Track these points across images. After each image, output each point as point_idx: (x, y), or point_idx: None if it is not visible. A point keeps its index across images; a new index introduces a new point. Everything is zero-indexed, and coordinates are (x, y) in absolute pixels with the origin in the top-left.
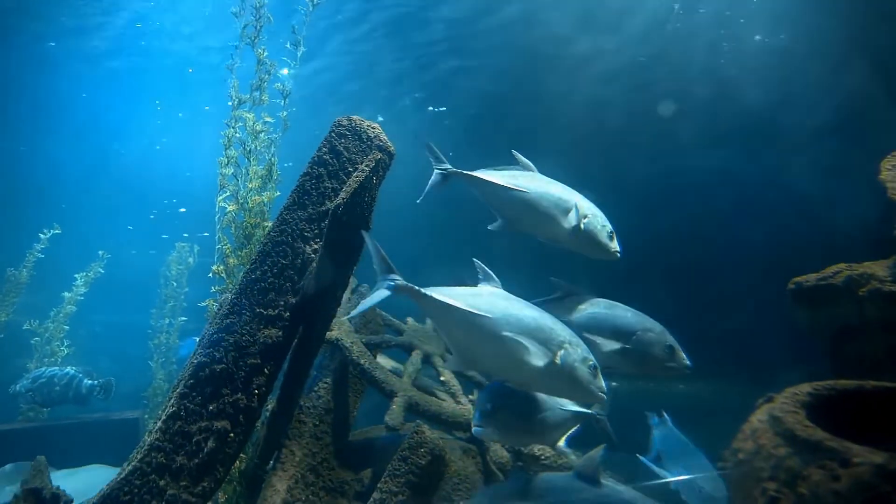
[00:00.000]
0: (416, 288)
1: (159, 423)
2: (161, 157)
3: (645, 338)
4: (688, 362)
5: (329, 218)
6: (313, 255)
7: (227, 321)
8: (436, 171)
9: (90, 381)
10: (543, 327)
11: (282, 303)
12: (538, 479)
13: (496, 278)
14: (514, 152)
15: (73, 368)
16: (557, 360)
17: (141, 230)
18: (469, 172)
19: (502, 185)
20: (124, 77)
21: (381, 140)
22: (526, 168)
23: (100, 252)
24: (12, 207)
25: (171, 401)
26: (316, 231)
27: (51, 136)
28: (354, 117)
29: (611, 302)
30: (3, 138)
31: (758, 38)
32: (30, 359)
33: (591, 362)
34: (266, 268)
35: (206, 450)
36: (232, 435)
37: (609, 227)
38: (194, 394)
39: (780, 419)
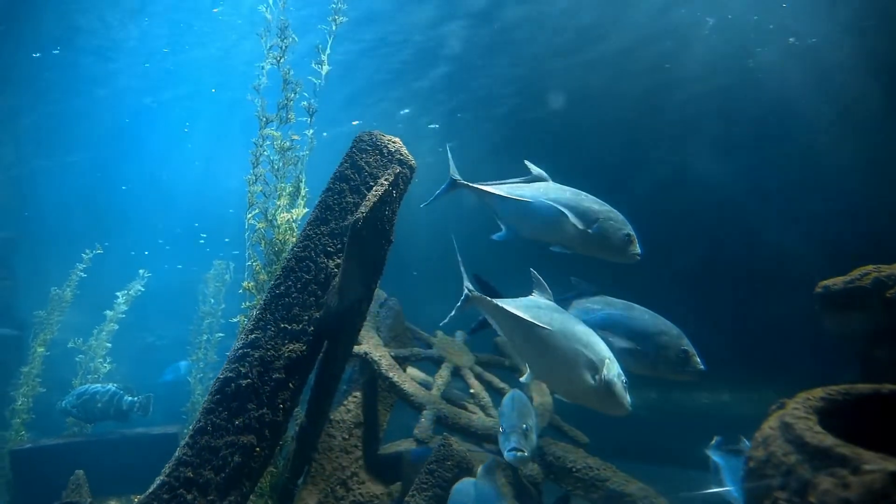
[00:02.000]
0: (486, 298)
1: (187, 438)
2: (201, 178)
3: (660, 341)
4: (702, 367)
5: (349, 232)
6: (336, 270)
7: (253, 336)
8: (450, 178)
9: (130, 398)
10: (591, 343)
11: (306, 317)
12: None
13: (548, 289)
14: (527, 162)
15: (115, 385)
16: (603, 376)
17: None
18: (473, 184)
19: (503, 196)
20: (158, 103)
21: (402, 154)
22: (539, 177)
23: (140, 271)
24: (62, 228)
25: (199, 416)
26: (339, 246)
27: (98, 157)
28: (375, 132)
29: (628, 303)
30: (47, 159)
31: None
32: (74, 375)
33: (623, 377)
34: (290, 283)
35: (232, 464)
36: (258, 449)
37: (626, 229)
38: (220, 409)
39: (790, 425)
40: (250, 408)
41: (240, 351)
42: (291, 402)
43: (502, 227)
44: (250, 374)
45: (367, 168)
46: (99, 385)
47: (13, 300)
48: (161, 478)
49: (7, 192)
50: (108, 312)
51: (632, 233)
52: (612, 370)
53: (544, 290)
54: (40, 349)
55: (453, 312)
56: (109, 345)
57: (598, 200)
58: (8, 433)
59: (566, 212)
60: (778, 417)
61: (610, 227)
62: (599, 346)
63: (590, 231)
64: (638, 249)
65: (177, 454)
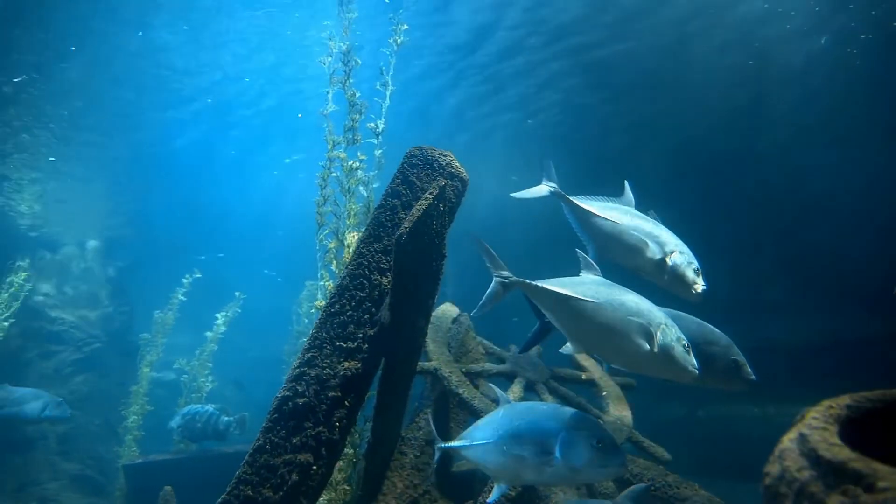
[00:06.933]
0: (527, 281)
1: (247, 457)
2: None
3: (708, 351)
4: (753, 377)
5: (394, 248)
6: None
7: (308, 355)
8: (544, 186)
9: (227, 418)
10: (643, 310)
11: (360, 335)
12: None
13: (596, 266)
14: (626, 183)
15: (213, 406)
16: (657, 340)
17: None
18: (569, 197)
19: (596, 214)
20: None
21: (452, 167)
22: (626, 201)
23: (236, 293)
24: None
25: (258, 434)
26: (392, 263)
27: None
28: (426, 147)
29: (676, 312)
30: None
31: None
32: (179, 395)
33: (684, 341)
34: (344, 301)
35: (290, 482)
36: (315, 467)
37: (696, 265)
38: (278, 427)
39: (806, 437)
40: (307, 426)
41: (297, 370)
42: (348, 420)
43: (588, 244)
44: (307, 393)
45: (418, 183)
46: (200, 406)
47: (129, 326)
48: (223, 496)
49: (121, 223)
50: (209, 333)
51: (699, 267)
52: (669, 335)
53: (591, 267)
54: (146, 370)
55: (483, 301)
56: (211, 364)
57: (673, 234)
58: (122, 449)
59: (662, 241)
60: (797, 429)
61: (683, 261)
62: (653, 313)
63: (668, 262)
64: (702, 285)
65: (238, 473)
